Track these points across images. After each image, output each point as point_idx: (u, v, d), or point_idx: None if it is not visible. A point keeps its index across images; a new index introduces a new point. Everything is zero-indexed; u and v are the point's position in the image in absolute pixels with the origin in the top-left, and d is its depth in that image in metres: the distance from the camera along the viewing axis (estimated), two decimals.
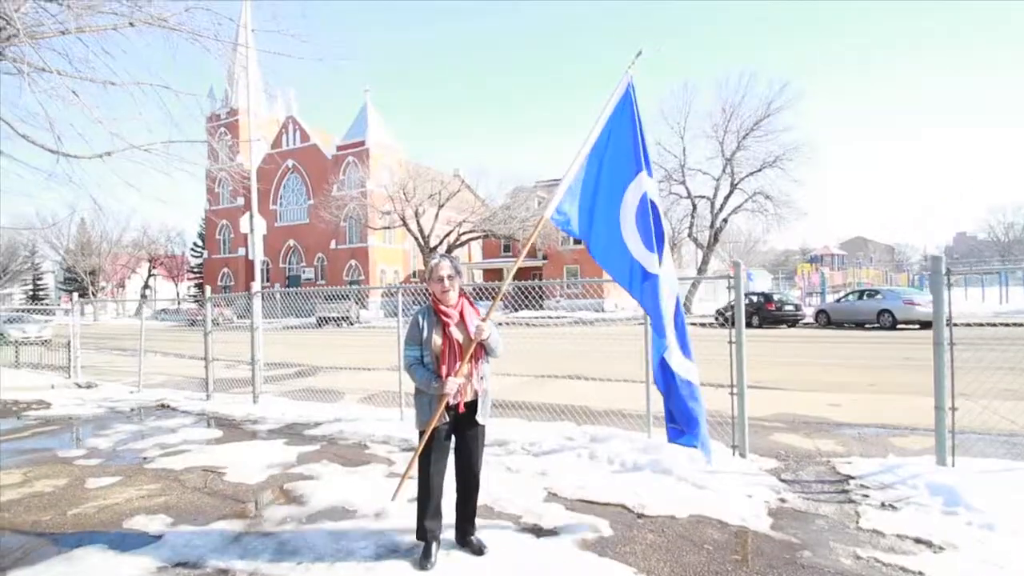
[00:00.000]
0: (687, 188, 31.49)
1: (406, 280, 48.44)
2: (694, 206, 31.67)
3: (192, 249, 62.59)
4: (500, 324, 3.41)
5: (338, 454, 5.39)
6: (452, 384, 3.03)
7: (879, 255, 77.11)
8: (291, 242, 49.51)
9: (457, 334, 3.13)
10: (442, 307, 3.17)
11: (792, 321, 22.63)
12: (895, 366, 10.94)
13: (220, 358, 10.54)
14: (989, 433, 5.53)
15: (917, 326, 19.86)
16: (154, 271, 59.28)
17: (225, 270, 51.80)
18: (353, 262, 45.67)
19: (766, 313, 22.48)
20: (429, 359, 3.12)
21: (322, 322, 28.53)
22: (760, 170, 30.04)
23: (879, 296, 21.42)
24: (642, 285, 3.58)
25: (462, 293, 3.29)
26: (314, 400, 8.19)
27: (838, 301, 23.70)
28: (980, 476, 4.07)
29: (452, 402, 3.12)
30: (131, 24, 6.84)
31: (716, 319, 22.37)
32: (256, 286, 8.61)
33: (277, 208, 50.25)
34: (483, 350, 3.18)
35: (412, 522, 3.57)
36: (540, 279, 39.52)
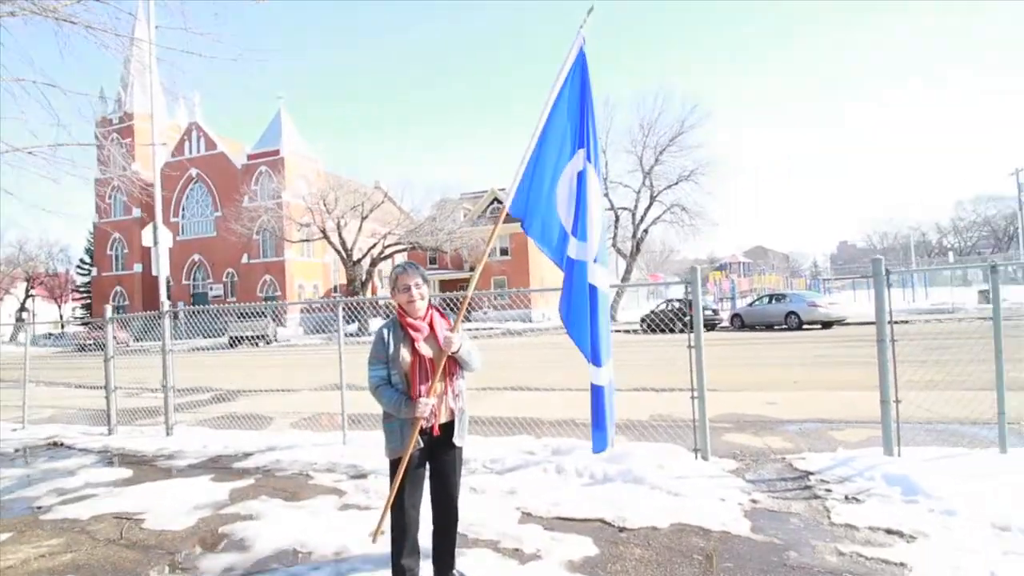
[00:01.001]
0: (610, 200, 32.59)
1: (327, 294, 46.45)
2: (616, 217, 32.82)
3: (78, 266, 56.44)
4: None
5: (278, 487, 4.85)
6: (424, 405, 2.75)
7: (777, 262, 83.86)
8: (196, 257, 45.97)
9: (427, 349, 2.86)
10: (409, 320, 2.89)
11: (711, 325, 23.82)
12: (811, 363, 11.73)
13: (121, 386, 9.41)
14: (911, 422, 5.93)
15: (819, 326, 21.57)
16: (32, 291, 52.82)
17: (118, 289, 47.19)
18: (268, 277, 43.19)
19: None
20: (397, 378, 2.83)
21: (235, 342, 26.64)
22: (676, 183, 31.73)
23: (786, 299, 23.06)
24: (567, 266, 3.54)
25: (431, 304, 3.02)
26: (239, 428, 7.49)
27: (751, 305, 25.24)
28: (927, 464, 4.30)
29: (426, 425, 2.82)
30: (12, 14, 5.95)
31: (641, 325, 23.10)
32: (166, 304, 7.76)
33: (179, 221, 46.56)
34: (457, 364, 2.92)
35: (379, 559, 3.20)
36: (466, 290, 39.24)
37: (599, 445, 3.70)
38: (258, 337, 27.59)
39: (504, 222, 3.32)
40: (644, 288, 48.95)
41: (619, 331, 23.30)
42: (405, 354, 2.82)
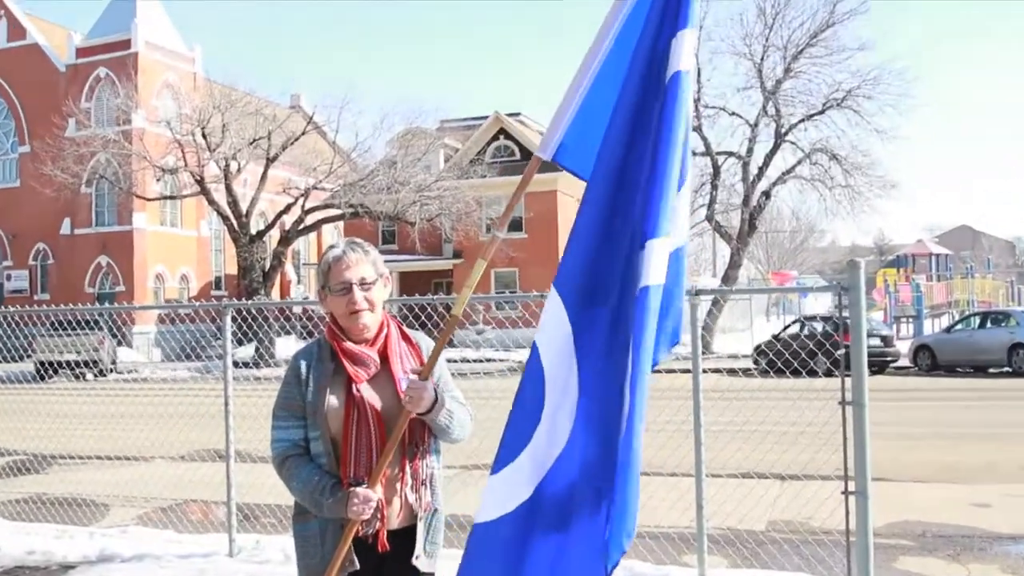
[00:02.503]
0: (704, 139, 32.49)
1: (203, 293, 46.86)
2: (716, 169, 32.71)
3: None
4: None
5: None
6: (363, 501, 2.76)
7: (997, 255, 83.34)
8: None
9: (377, 398, 2.88)
10: (347, 345, 2.91)
11: (879, 364, 23.79)
12: None
13: None
14: None
15: None
16: None
17: None
18: (104, 259, 43.87)
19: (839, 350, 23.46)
20: (320, 446, 2.86)
21: (46, 370, 27.00)
22: (822, 112, 31.57)
23: (1010, 323, 23.02)
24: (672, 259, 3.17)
25: (388, 316, 3.06)
26: (52, 520, 7.68)
27: (948, 331, 25.17)
28: None
29: (367, 532, 2.85)
30: None
31: (756, 362, 23.08)
32: None
33: None
34: (427, 429, 2.95)
35: None
36: (448, 292, 39.47)
37: None
38: (85, 364, 27.87)
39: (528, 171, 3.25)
40: (759, 297, 48.82)
41: (713, 370, 23.31)
42: (334, 404, 2.84)
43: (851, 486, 4.86)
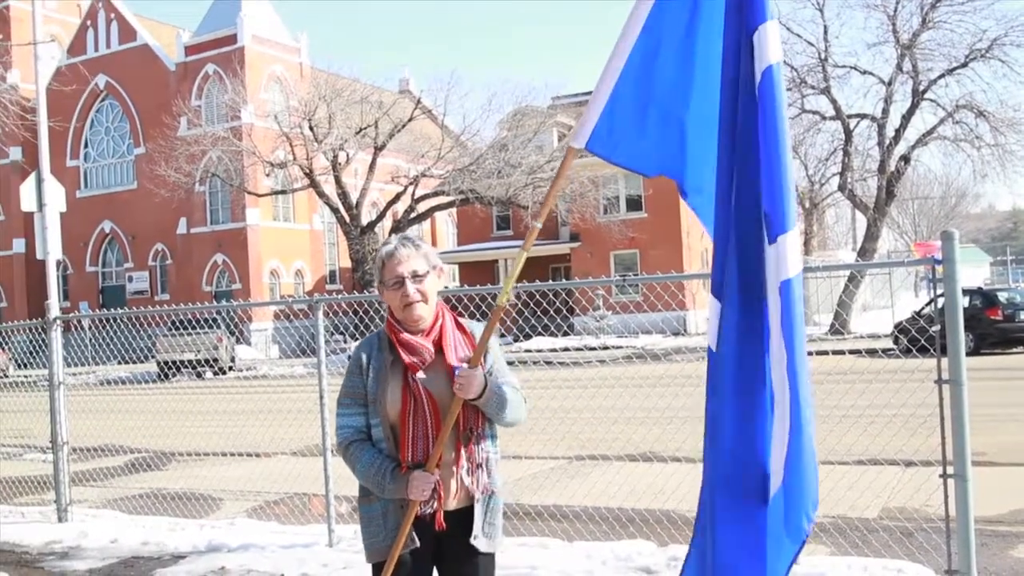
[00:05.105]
0: (833, 101, 31.61)
1: (318, 287, 48.22)
2: (848, 134, 31.81)
3: None
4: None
5: None
6: (421, 482, 3.03)
7: None
8: (107, 225, 49.36)
9: (432, 386, 3.14)
10: (403, 336, 3.15)
11: None
12: None
13: None
14: None
15: None
16: None
17: None
18: (220, 257, 45.72)
19: (987, 327, 22.66)
20: (381, 433, 3.12)
21: (169, 370, 28.63)
22: (964, 65, 30.09)
23: None
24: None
25: (443, 307, 3.31)
26: (168, 513, 8.32)
27: None
28: None
29: (426, 511, 3.13)
30: None
31: (896, 341, 22.42)
32: (55, 307, 8.64)
33: (80, 164, 50.15)
34: (481, 415, 3.17)
35: None
36: (566, 277, 39.59)
37: None
38: (205, 362, 29.33)
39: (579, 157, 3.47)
40: (901, 271, 46.88)
41: (852, 351, 22.70)
42: (393, 392, 3.09)
43: (950, 470, 4.88)
